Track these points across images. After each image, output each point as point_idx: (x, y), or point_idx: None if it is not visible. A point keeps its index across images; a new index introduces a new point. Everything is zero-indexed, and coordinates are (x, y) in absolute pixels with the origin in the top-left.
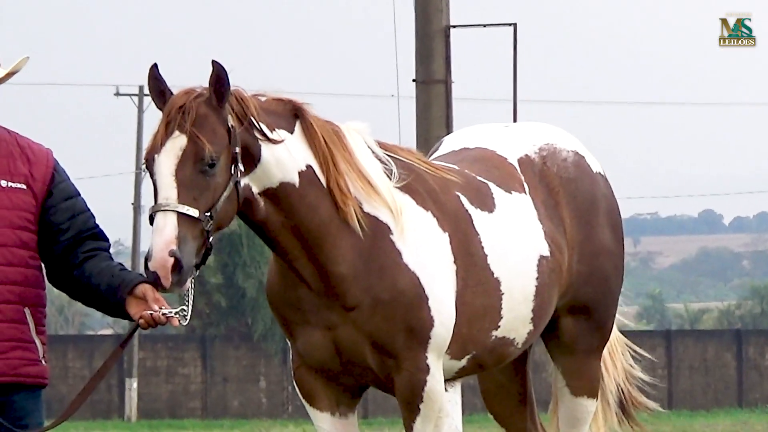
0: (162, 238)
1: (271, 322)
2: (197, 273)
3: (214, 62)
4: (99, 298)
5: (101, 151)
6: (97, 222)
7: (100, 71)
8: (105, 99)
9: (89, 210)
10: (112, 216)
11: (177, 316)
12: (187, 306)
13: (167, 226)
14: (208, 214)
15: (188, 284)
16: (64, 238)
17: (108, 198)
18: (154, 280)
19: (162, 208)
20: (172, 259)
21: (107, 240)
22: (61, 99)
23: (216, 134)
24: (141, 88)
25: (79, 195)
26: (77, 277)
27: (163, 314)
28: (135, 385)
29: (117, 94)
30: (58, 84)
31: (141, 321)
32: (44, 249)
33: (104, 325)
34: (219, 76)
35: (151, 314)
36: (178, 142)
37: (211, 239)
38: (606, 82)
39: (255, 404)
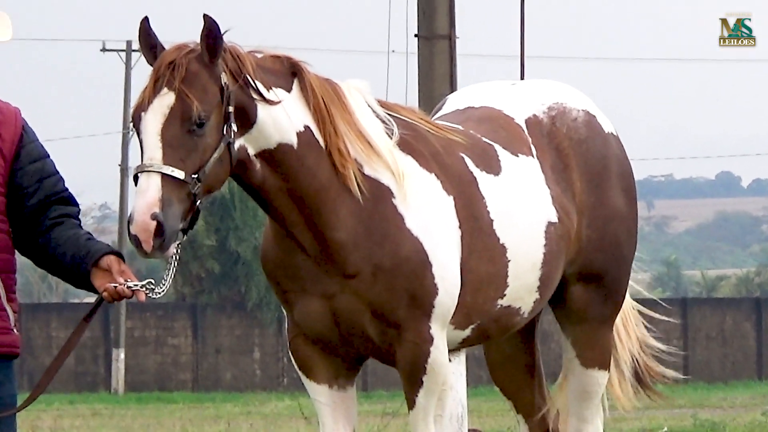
0: (144, 200)
1: (265, 289)
2: (184, 238)
3: (205, 16)
4: (63, 268)
5: (86, 110)
6: (66, 185)
7: (85, 25)
8: (91, 55)
9: (58, 173)
10: (98, 178)
11: (144, 289)
12: (167, 276)
13: (150, 188)
14: (196, 176)
15: (173, 250)
16: (31, 202)
17: (94, 159)
18: (136, 245)
19: (146, 169)
20: (154, 223)
21: (77, 205)
22: (43, 55)
23: (207, 92)
24: (129, 43)
25: (48, 156)
26: (42, 245)
27: (128, 287)
28: (122, 356)
29: (103, 49)
30: (39, 39)
31: (105, 294)
32: (11, 213)
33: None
34: (211, 31)
35: (116, 287)
36: (165, 99)
37: (199, 203)
38: (619, 37)
39: (249, 376)
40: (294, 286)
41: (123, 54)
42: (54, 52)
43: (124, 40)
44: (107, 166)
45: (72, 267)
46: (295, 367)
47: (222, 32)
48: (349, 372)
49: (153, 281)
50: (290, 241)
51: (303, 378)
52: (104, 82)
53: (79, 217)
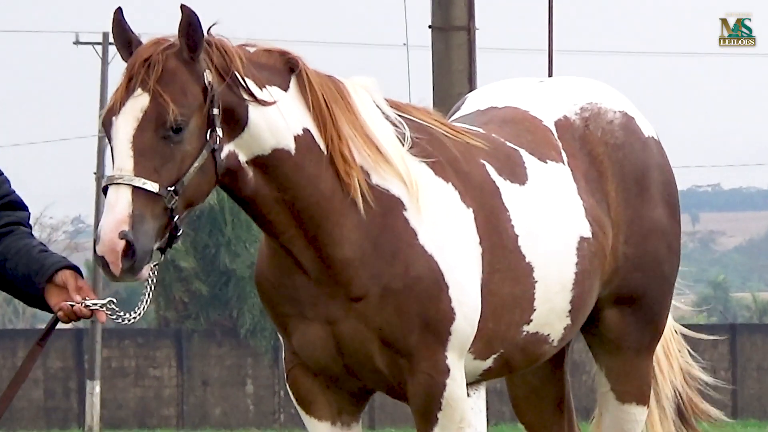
0: (112, 216)
1: (260, 314)
2: (161, 258)
3: (183, 6)
4: (14, 285)
5: (58, 111)
6: (12, 187)
7: (57, 15)
8: (63, 48)
9: (2, 173)
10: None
11: (104, 309)
12: (142, 300)
13: (119, 203)
14: (173, 188)
15: (146, 272)
16: None
17: (66, 167)
18: (103, 267)
19: (115, 181)
20: (122, 242)
21: (26, 209)
22: (9, 48)
23: (186, 93)
24: (106, 35)
25: None
26: None
27: (86, 306)
28: (97, 389)
29: (77, 42)
30: (4, 30)
31: (60, 314)
32: None
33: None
34: (190, 23)
35: (72, 306)
36: (139, 101)
37: (177, 219)
38: (657, 30)
39: (241, 412)
40: (292, 311)
41: (99, 47)
42: (19, 46)
43: (101, 31)
44: (81, 175)
45: (24, 283)
46: (294, 401)
47: (202, 24)
48: (354, 407)
49: (114, 300)
50: (288, 259)
51: (302, 414)
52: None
53: (30, 222)
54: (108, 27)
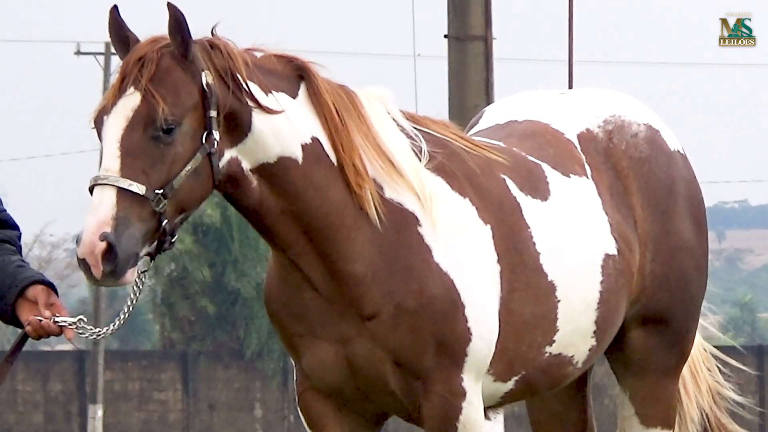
0: (94, 218)
1: (268, 334)
2: (151, 264)
3: (169, 5)
4: None
5: (58, 124)
6: (3, 206)
7: (57, 25)
8: (64, 58)
9: None
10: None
11: (73, 327)
12: (124, 311)
13: (103, 204)
14: (161, 191)
15: (131, 277)
16: None
17: (66, 181)
18: (84, 269)
19: (100, 182)
20: (103, 244)
21: (16, 227)
22: (9, 58)
23: (179, 93)
24: (107, 45)
25: None
26: None
27: (55, 322)
28: (100, 413)
29: (78, 52)
30: (5, 40)
31: (28, 328)
32: None
33: (61, 340)
34: (177, 22)
35: (41, 320)
36: (130, 100)
37: (166, 223)
38: (680, 39)
39: None
40: (302, 330)
41: (101, 57)
42: (21, 56)
43: (102, 41)
44: (82, 191)
45: None
46: (305, 426)
47: (188, 23)
48: (367, 431)
49: (84, 318)
50: (297, 275)
51: None
52: (78, 90)
53: (20, 242)
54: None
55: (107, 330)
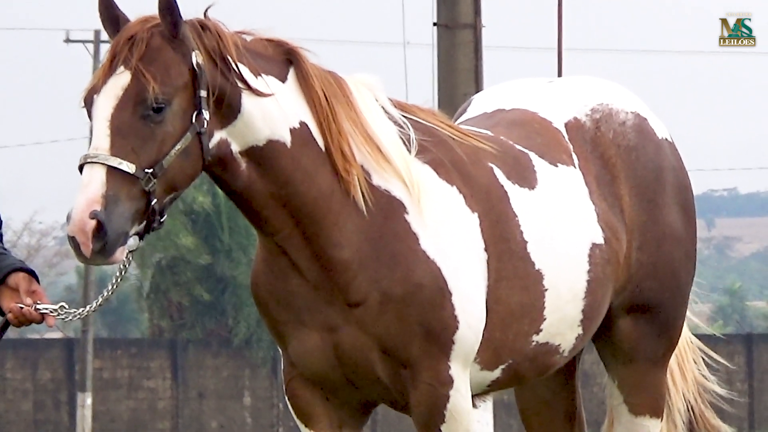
0: (84, 196)
1: (257, 323)
2: (141, 243)
3: None
4: None
5: (48, 112)
6: None
7: (47, 13)
8: (53, 46)
9: None
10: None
11: (54, 314)
12: (108, 288)
13: (93, 182)
14: (151, 170)
15: (120, 255)
16: None
17: (56, 169)
18: (74, 247)
19: (89, 160)
20: (93, 222)
21: None
22: None
23: (169, 72)
24: (97, 33)
25: None
26: None
27: (37, 309)
28: (89, 401)
29: (67, 40)
30: None
31: (9, 316)
32: None
33: (51, 328)
34: (168, 1)
35: (22, 308)
36: (120, 79)
37: (155, 202)
38: (668, 27)
39: (238, 425)
40: (288, 317)
41: (90, 46)
42: (7, 43)
43: (92, 29)
44: (71, 179)
45: None
46: (293, 414)
47: (178, 3)
48: (355, 420)
49: (66, 305)
50: (284, 261)
51: (301, 427)
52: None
53: (1, 231)
54: (100, 25)
55: (90, 308)
